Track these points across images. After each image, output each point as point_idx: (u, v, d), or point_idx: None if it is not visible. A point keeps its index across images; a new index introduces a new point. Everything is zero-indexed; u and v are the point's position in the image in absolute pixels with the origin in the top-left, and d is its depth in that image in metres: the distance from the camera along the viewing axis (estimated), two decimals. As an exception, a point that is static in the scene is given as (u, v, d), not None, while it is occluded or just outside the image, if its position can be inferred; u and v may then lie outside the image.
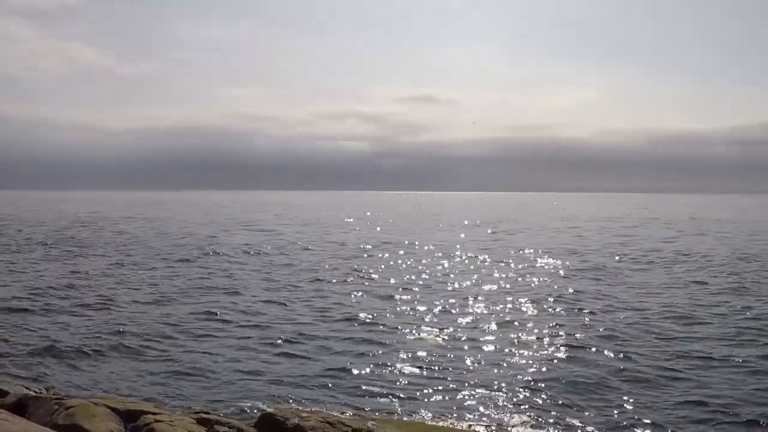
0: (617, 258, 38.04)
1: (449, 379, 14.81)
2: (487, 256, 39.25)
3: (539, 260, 37.89)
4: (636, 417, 12.37)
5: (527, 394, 13.66)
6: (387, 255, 40.20)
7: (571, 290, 26.51)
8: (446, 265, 35.92)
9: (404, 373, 15.25)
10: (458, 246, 46.83)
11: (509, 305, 23.36)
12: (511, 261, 37.26)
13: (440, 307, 23.04)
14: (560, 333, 18.77)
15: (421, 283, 28.86)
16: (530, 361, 16.08)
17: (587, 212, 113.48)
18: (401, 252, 42.40)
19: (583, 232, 61.87)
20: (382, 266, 34.80)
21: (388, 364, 15.88)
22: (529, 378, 14.68)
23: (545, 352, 16.95)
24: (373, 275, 31.04)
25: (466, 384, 14.35)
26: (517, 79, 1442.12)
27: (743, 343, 17.59)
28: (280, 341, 18.02)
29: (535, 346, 17.48)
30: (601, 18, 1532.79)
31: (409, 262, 36.53)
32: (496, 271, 33.31)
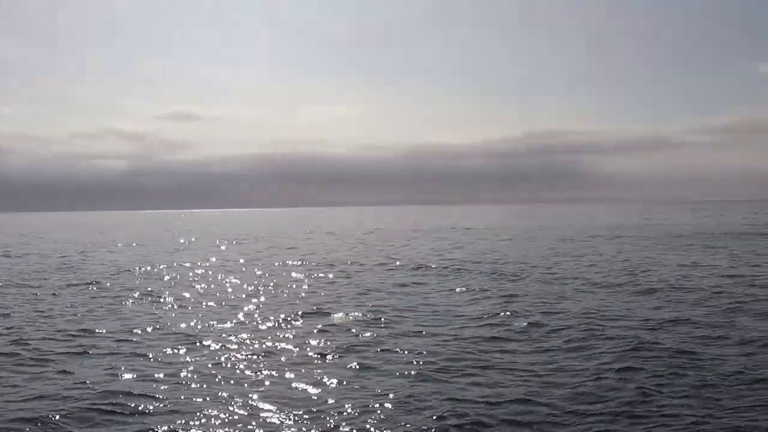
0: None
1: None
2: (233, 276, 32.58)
3: (292, 273, 32.64)
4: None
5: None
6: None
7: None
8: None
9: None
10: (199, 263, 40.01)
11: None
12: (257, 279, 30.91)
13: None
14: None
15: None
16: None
17: (347, 225, 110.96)
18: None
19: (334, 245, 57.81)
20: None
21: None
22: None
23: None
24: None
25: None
26: (278, 96, 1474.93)
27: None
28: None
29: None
30: (360, 37, 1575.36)
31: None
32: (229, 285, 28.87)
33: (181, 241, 68.08)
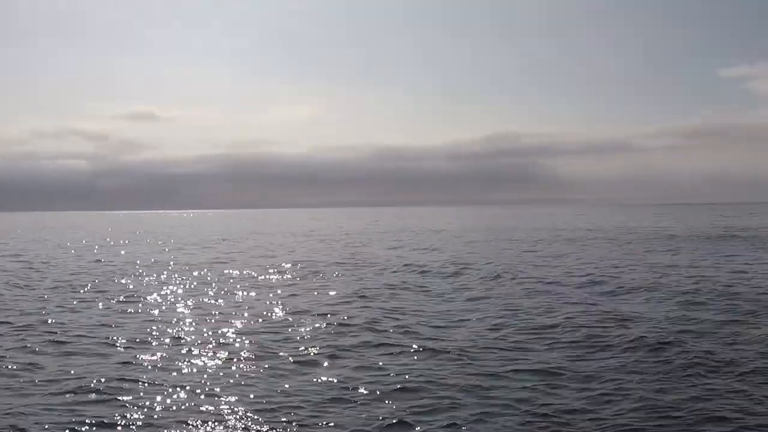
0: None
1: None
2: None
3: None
4: None
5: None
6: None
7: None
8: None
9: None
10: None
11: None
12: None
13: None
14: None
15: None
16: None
17: (307, 226, 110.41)
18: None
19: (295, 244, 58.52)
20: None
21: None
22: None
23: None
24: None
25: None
26: (239, 97, 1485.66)
27: None
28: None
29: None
30: (322, 38, 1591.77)
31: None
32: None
33: (122, 242, 66.63)
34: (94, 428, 10.32)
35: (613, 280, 26.95)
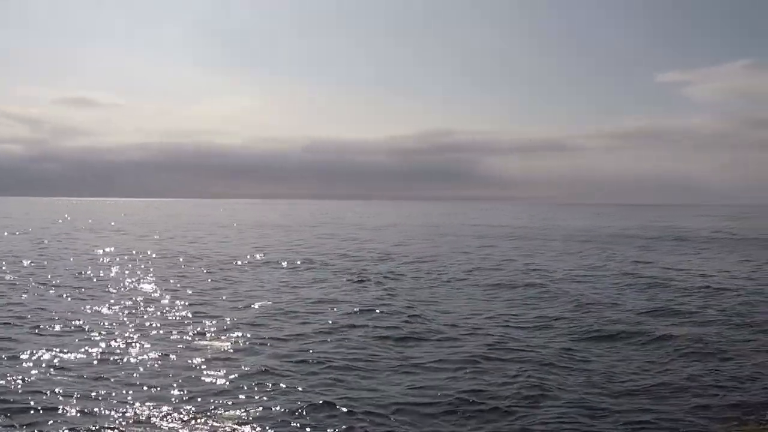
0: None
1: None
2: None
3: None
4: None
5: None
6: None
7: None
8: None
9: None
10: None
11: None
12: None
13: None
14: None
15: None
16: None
17: (239, 218, 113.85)
18: None
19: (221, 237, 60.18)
20: None
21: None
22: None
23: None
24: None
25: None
26: (179, 87, 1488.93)
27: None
28: None
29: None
30: (262, 28, 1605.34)
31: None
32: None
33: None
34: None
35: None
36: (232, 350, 15.36)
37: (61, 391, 11.98)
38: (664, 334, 16.97)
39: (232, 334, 16.92)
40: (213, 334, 17.01)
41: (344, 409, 11.19)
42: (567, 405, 11.61)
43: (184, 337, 16.53)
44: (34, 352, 14.70)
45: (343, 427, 10.51)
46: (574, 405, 11.61)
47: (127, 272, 30.23)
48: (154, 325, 18.01)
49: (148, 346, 15.50)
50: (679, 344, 16.00)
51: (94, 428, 10.32)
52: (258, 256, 38.59)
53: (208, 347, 15.64)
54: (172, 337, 16.50)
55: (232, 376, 13.09)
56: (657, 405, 11.71)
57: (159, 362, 14.22)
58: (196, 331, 17.21)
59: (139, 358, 14.50)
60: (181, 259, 36.63)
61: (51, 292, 23.87)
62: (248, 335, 16.75)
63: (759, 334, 17.45)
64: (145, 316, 19.33)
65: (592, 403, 11.75)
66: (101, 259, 36.29)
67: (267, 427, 10.53)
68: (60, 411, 11.05)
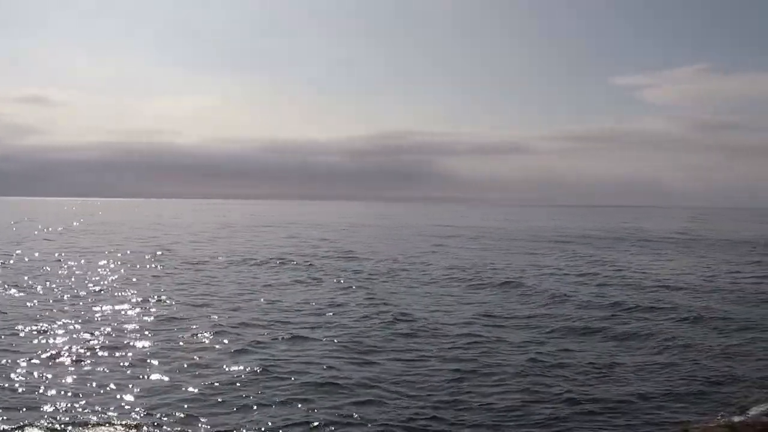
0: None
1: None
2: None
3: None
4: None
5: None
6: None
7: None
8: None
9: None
10: None
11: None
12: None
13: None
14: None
15: None
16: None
17: (196, 218, 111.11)
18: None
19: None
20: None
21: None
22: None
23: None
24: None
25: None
26: (135, 85, 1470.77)
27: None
28: None
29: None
30: (222, 28, 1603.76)
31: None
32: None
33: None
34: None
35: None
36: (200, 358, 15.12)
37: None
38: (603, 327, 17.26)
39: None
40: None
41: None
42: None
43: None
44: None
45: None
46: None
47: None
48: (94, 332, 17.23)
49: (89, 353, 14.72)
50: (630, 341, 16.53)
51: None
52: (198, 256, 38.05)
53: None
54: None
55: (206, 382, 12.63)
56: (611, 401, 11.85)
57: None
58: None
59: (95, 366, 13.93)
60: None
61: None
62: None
63: (713, 331, 17.81)
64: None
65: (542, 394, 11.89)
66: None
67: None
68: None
